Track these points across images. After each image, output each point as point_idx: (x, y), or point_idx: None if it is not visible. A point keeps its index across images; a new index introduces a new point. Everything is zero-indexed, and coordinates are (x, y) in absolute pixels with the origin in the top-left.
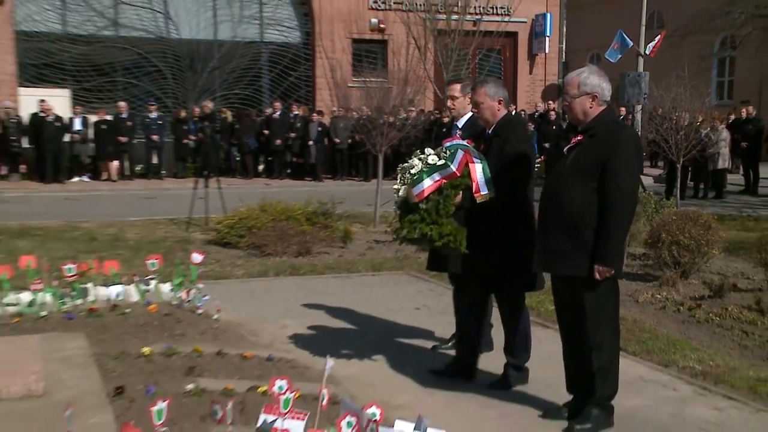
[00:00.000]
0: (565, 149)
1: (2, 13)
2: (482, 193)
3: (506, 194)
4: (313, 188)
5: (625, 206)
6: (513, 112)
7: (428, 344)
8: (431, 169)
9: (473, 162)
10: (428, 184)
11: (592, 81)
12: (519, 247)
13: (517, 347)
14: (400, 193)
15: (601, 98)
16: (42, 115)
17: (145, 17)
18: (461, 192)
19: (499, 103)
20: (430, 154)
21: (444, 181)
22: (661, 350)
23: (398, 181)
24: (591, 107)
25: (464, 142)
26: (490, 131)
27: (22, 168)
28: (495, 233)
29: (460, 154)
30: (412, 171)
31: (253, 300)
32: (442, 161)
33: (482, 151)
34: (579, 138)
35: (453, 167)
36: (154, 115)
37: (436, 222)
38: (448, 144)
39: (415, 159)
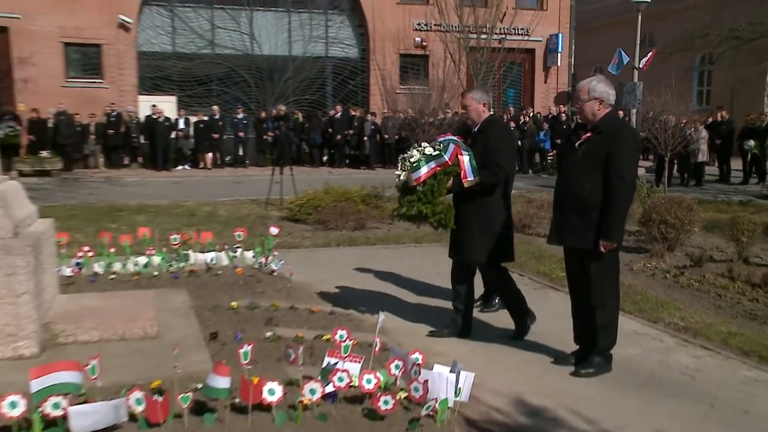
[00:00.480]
0: (576, 144)
1: (128, 39)
2: (469, 179)
3: (488, 181)
4: (367, 175)
5: (626, 192)
6: (531, 114)
7: None
8: (428, 158)
9: (462, 154)
10: (425, 170)
11: (600, 88)
12: (496, 226)
13: (510, 302)
14: (401, 178)
15: (607, 102)
16: (154, 116)
17: (235, 38)
18: (452, 178)
19: (484, 106)
20: (426, 147)
21: (438, 168)
22: (651, 309)
23: (399, 168)
24: (599, 109)
25: (455, 138)
26: (475, 129)
27: (140, 159)
28: (477, 214)
29: (451, 146)
30: (412, 159)
31: (318, 265)
32: (437, 152)
33: (469, 145)
34: (588, 135)
35: (446, 157)
36: (240, 116)
37: (431, 202)
38: (441, 139)
39: (414, 150)
